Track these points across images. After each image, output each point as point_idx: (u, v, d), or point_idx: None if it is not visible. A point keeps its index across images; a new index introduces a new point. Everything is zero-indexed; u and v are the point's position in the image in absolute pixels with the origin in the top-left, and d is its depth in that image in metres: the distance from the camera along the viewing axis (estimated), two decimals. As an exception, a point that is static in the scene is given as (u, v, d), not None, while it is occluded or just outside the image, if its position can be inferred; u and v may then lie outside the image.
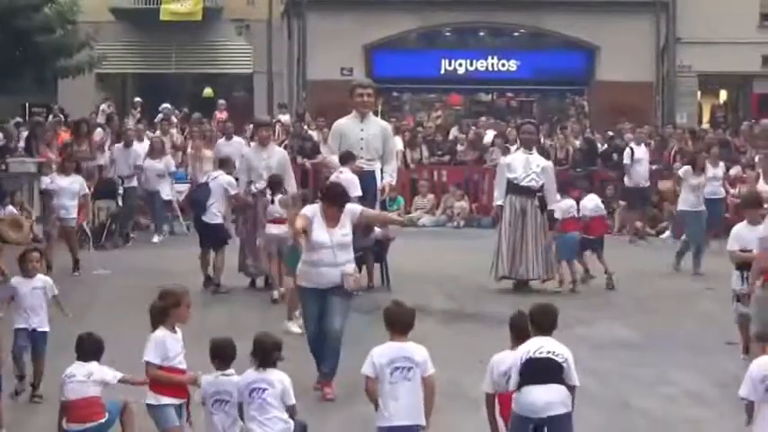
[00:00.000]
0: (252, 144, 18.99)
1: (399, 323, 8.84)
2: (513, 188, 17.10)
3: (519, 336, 8.82)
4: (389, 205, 21.46)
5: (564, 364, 8.48)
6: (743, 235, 12.50)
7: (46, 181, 18.48)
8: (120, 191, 21.98)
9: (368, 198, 15.75)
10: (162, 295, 8.78)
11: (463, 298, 16.27)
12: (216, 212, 17.32)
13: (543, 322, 8.75)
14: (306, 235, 11.22)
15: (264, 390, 8.60)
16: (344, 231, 11.28)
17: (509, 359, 8.74)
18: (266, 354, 8.71)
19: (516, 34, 36.73)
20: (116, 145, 23.35)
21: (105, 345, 9.77)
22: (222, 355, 8.91)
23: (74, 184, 17.96)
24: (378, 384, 8.67)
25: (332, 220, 11.25)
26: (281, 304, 15.22)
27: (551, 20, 35.03)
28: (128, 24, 35.75)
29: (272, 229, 16.11)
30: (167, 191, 23.07)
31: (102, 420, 9.67)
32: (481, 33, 36.85)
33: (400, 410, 8.69)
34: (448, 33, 36.93)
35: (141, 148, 23.14)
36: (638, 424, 11.04)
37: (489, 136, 27.92)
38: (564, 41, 35.70)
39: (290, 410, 8.74)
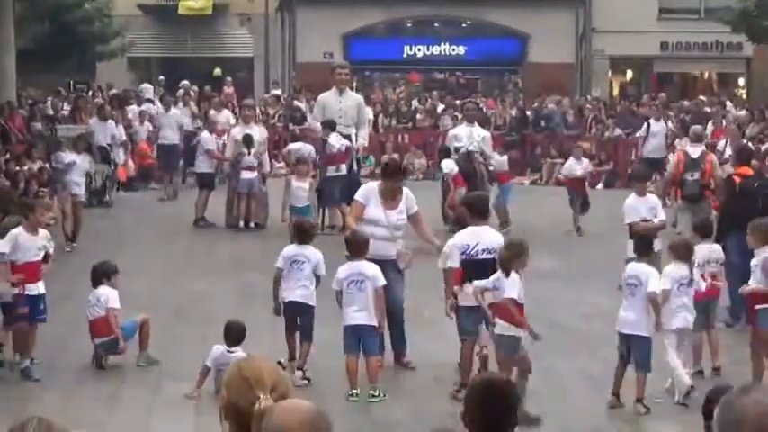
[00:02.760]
0: (239, 121, 18.81)
1: (355, 247, 9.32)
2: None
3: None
4: (362, 162, 21.23)
5: (495, 257, 8.95)
6: (638, 206, 11.68)
7: (62, 158, 15.97)
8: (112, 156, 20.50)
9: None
10: (507, 246, 8.90)
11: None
12: (200, 164, 18.06)
13: (479, 206, 9.47)
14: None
15: (303, 262, 9.54)
16: (401, 216, 9.85)
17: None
18: (303, 233, 9.80)
19: (464, 25, 36.44)
20: (93, 118, 20.91)
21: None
22: (232, 335, 9.07)
23: (84, 161, 16.30)
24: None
25: (390, 200, 9.81)
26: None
27: (492, 13, 34.78)
28: (152, 18, 35.38)
29: (246, 175, 17.00)
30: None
31: (112, 336, 9.70)
32: (436, 24, 36.56)
33: (356, 313, 9.07)
34: (409, 24, 36.68)
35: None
36: (562, 337, 11.00)
37: (441, 107, 27.81)
38: (502, 30, 35.39)
39: (318, 280, 9.66)
